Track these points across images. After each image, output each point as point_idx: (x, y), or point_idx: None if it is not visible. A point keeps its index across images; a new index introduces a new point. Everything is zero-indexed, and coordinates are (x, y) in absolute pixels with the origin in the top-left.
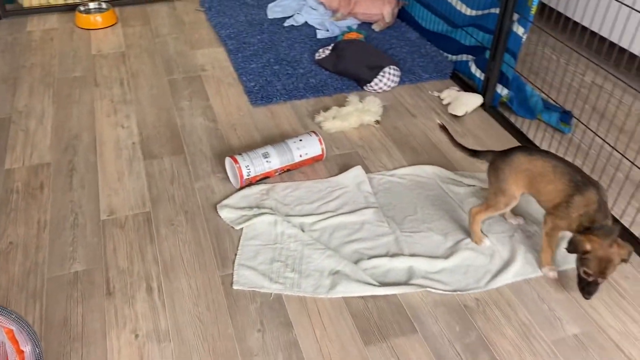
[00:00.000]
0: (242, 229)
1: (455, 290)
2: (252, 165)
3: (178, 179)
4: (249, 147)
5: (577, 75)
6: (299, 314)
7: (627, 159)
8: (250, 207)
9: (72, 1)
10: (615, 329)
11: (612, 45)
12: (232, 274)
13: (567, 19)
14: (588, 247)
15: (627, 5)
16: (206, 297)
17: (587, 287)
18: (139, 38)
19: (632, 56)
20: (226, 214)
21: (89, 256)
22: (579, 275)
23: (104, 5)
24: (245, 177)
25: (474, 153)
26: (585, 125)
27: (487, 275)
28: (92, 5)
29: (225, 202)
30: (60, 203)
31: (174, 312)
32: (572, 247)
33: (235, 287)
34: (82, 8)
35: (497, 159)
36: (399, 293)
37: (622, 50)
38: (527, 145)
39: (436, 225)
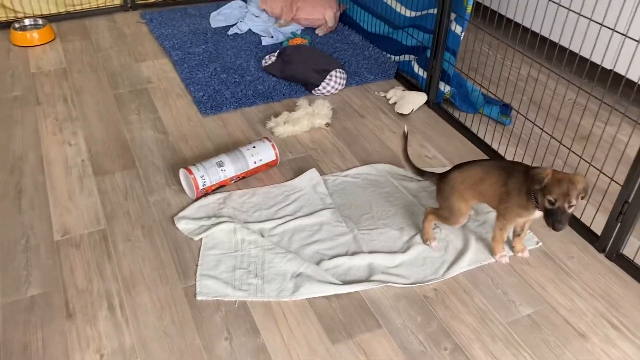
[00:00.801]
0: (201, 239)
1: (414, 283)
2: (207, 175)
3: (132, 193)
4: (202, 157)
5: (513, 69)
6: (264, 319)
7: (564, 145)
8: (208, 217)
9: (5, 18)
10: (564, 306)
11: (544, 39)
12: (194, 285)
13: (501, 15)
14: (547, 171)
15: (554, 1)
16: (170, 310)
17: (555, 217)
18: (80, 53)
19: (563, 48)
20: (184, 226)
21: (45, 279)
22: (544, 210)
23: (40, 22)
24: (200, 187)
25: (420, 172)
26: (523, 116)
27: (444, 266)
28: (27, 21)
29: (182, 213)
30: (9, 227)
31: (138, 328)
32: (531, 181)
33: (199, 297)
34: (17, 25)
35: (438, 181)
36: (361, 290)
37: (553, 43)
38: (459, 163)
39: (392, 220)
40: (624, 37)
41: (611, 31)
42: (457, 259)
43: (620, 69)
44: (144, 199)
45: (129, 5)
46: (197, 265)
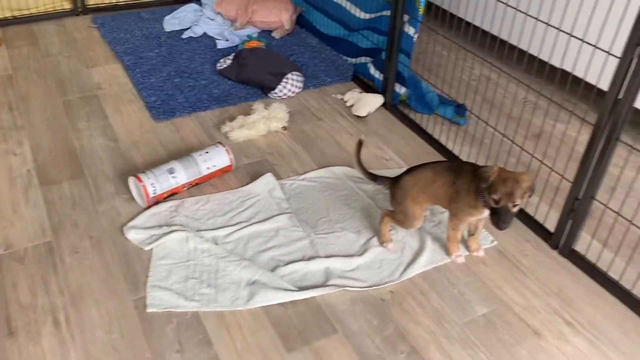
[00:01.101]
0: (152, 249)
1: (371, 286)
2: (158, 182)
3: (80, 203)
4: (154, 164)
5: (468, 69)
6: (218, 329)
7: (516, 144)
8: (160, 226)
9: None
10: (519, 304)
11: (494, 38)
12: (145, 297)
13: (452, 15)
14: (493, 170)
15: (501, 1)
16: (119, 323)
17: (499, 216)
18: (27, 59)
19: (512, 47)
20: (134, 235)
21: None
22: (490, 209)
23: None
24: (151, 195)
25: (373, 177)
26: (476, 116)
27: (400, 267)
28: None
29: (132, 223)
30: None
31: (85, 344)
32: (478, 180)
33: (149, 310)
34: None
35: (391, 186)
36: (318, 295)
37: (503, 42)
38: (411, 167)
39: (349, 224)
40: (569, 36)
41: (557, 30)
42: (413, 260)
43: (568, 67)
44: (93, 209)
45: (80, 10)
46: (147, 276)
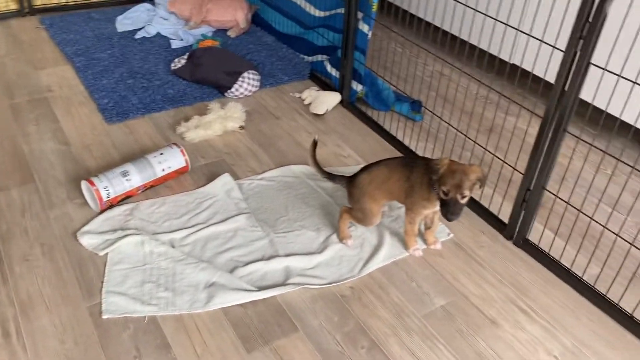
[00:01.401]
0: (106, 254)
1: (331, 283)
2: (111, 185)
3: (30, 210)
4: (107, 168)
5: (420, 65)
6: (176, 333)
7: (469, 138)
8: (114, 230)
9: None
10: (476, 295)
11: (445, 33)
12: (100, 303)
13: (405, 12)
14: (444, 162)
15: None
16: (73, 331)
17: (448, 208)
18: None
19: (463, 42)
20: (87, 241)
21: None
22: (440, 201)
23: None
24: (104, 199)
25: (330, 177)
26: (431, 112)
27: (360, 263)
28: None
29: (85, 228)
30: None
31: (37, 354)
32: (429, 171)
33: (105, 316)
34: None
35: (348, 184)
36: (278, 294)
37: (454, 37)
38: (366, 165)
39: (308, 222)
40: (516, 30)
41: (505, 25)
42: (372, 255)
43: (517, 61)
44: (44, 215)
45: (27, 11)
46: (102, 282)
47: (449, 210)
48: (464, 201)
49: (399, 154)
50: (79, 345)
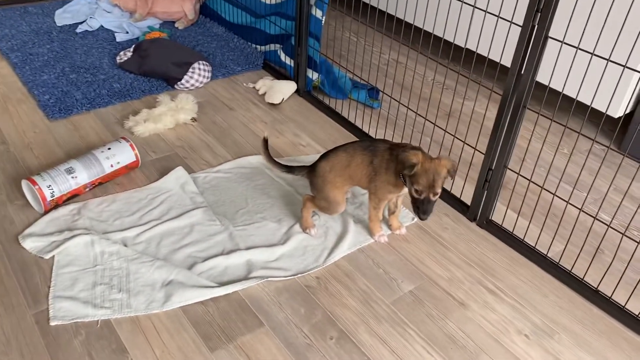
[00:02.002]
0: (53, 257)
1: (295, 274)
2: (55, 184)
3: None
4: (51, 166)
5: (374, 53)
6: (132, 336)
7: (430, 121)
8: (61, 231)
9: None
10: (443, 277)
11: (399, 21)
12: (47, 310)
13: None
14: (414, 159)
15: None
16: (18, 342)
17: (421, 207)
18: None
19: (418, 29)
20: (31, 244)
21: None
22: (412, 198)
23: None
24: (48, 198)
25: (289, 169)
26: (389, 96)
27: (325, 252)
28: None
29: (28, 230)
30: None
31: None
32: (401, 165)
33: (53, 323)
34: None
35: (308, 174)
36: (240, 289)
37: (409, 25)
38: (325, 152)
39: (269, 213)
40: (472, 11)
41: (461, 2)
42: (337, 243)
43: (472, 46)
44: None
45: None
46: (49, 287)
47: (421, 209)
48: (435, 198)
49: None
50: (25, 357)
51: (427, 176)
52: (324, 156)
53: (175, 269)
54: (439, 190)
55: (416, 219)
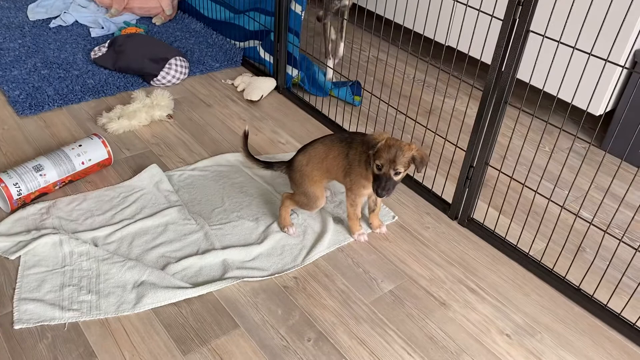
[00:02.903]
0: (19, 257)
1: (273, 274)
2: (22, 182)
3: None
4: (19, 164)
5: (354, 50)
6: (101, 339)
7: (410, 118)
8: (28, 231)
9: None
10: (424, 277)
11: (380, 17)
12: (11, 313)
13: None
14: (378, 137)
15: None
16: None
17: (380, 182)
18: None
19: (398, 26)
20: None
21: None
22: (373, 176)
23: None
24: (15, 197)
25: (268, 165)
26: (370, 93)
27: (303, 252)
28: None
29: None
30: None
31: None
32: (365, 146)
33: (17, 326)
34: None
35: (287, 169)
36: (215, 290)
37: (389, 21)
38: (302, 146)
39: (246, 212)
40: (453, 9)
41: (440, 4)
42: (316, 242)
43: (452, 43)
44: None
45: None
46: (14, 289)
47: (380, 185)
48: (397, 178)
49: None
50: None
51: (389, 152)
52: (301, 149)
53: (148, 270)
54: (401, 169)
55: (396, 218)
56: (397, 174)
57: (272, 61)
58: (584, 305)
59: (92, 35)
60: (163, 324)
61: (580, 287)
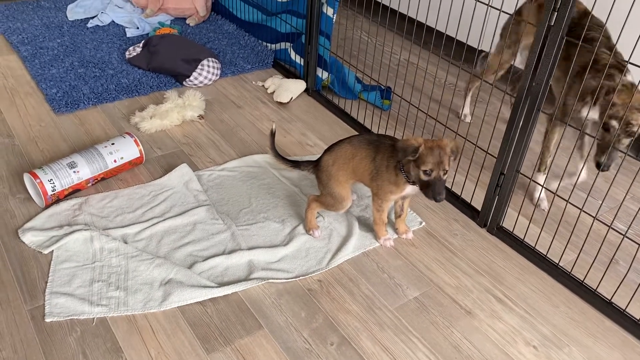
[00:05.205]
0: (52, 252)
1: (297, 276)
2: (57, 178)
3: None
4: (55, 160)
5: (386, 53)
6: (128, 335)
7: (440, 122)
8: (60, 226)
9: None
10: (450, 285)
11: (412, 20)
12: (43, 306)
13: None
14: (415, 142)
15: None
16: (12, 337)
17: (434, 188)
18: None
19: (430, 29)
20: (30, 238)
21: None
22: (420, 182)
23: None
24: (49, 193)
25: (295, 164)
26: (400, 97)
27: (328, 255)
28: None
29: (28, 225)
30: None
31: None
32: (402, 153)
33: (48, 319)
34: None
35: (314, 169)
36: (240, 290)
37: (421, 24)
38: (330, 145)
39: (272, 213)
40: (487, 14)
41: (473, 8)
42: (341, 246)
43: (485, 47)
44: None
45: None
46: (46, 283)
47: (434, 190)
48: (446, 177)
49: None
50: (18, 353)
51: (434, 154)
52: (328, 149)
53: (175, 268)
54: (448, 168)
55: (423, 224)
56: (445, 173)
57: (302, 63)
58: (615, 319)
59: (127, 35)
60: (188, 322)
61: (612, 300)
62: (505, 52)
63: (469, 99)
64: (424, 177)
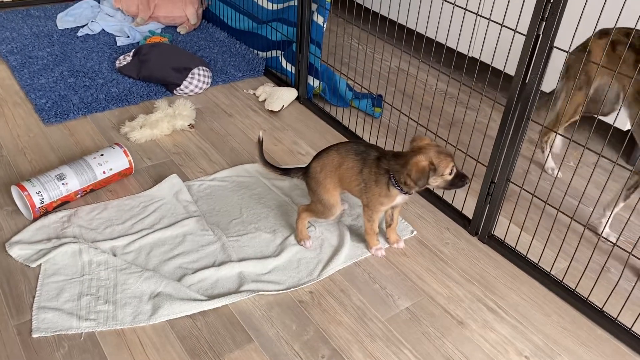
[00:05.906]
0: (40, 266)
1: (288, 288)
2: (45, 190)
3: None
4: (44, 172)
5: (376, 60)
6: (117, 350)
7: (431, 131)
8: (49, 239)
9: None
10: (442, 294)
11: (402, 27)
12: (30, 321)
13: (360, 6)
14: (424, 161)
15: None
16: None
17: (461, 178)
18: None
19: (420, 36)
20: (18, 252)
21: None
22: (449, 183)
23: None
24: (37, 205)
25: (285, 172)
26: (390, 105)
27: (319, 266)
28: None
29: (15, 238)
30: None
31: None
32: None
33: (35, 335)
34: None
35: (304, 175)
36: (230, 303)
37: (411, 31)
38: (318, 152)
39: (263, 224)
40: (475, 20)
41: (465, 10)
42: (332, 256)
43: (475, 54)
44: None
45: None
46: (34, 297)
47: (462, 179)
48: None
49: None
50: None
51: (441, 155)
52: (317, 156)
53: (164, 281)
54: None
55: (414, 232)
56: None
57: (293, 71)
58: (607, 328)
59: (117, 44)
60: (178, 336)
61: (604, 309)
62: (577, 95)
63: (547, 152)
64: (450, 177)
